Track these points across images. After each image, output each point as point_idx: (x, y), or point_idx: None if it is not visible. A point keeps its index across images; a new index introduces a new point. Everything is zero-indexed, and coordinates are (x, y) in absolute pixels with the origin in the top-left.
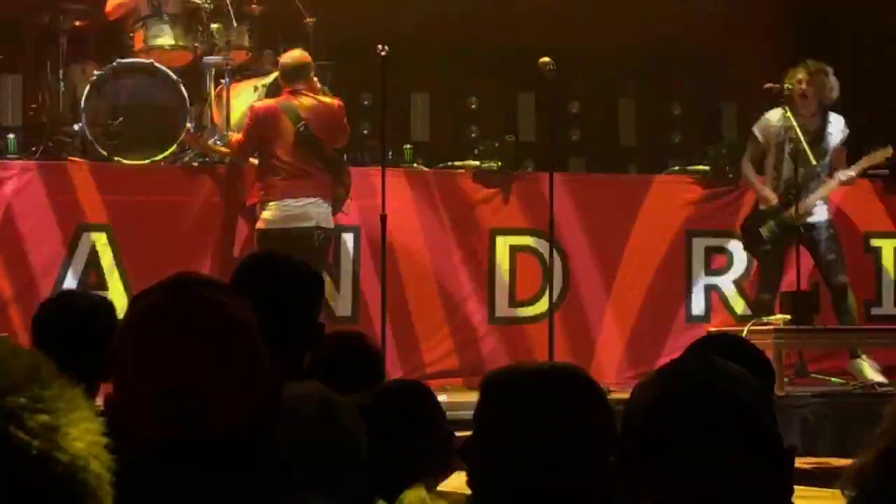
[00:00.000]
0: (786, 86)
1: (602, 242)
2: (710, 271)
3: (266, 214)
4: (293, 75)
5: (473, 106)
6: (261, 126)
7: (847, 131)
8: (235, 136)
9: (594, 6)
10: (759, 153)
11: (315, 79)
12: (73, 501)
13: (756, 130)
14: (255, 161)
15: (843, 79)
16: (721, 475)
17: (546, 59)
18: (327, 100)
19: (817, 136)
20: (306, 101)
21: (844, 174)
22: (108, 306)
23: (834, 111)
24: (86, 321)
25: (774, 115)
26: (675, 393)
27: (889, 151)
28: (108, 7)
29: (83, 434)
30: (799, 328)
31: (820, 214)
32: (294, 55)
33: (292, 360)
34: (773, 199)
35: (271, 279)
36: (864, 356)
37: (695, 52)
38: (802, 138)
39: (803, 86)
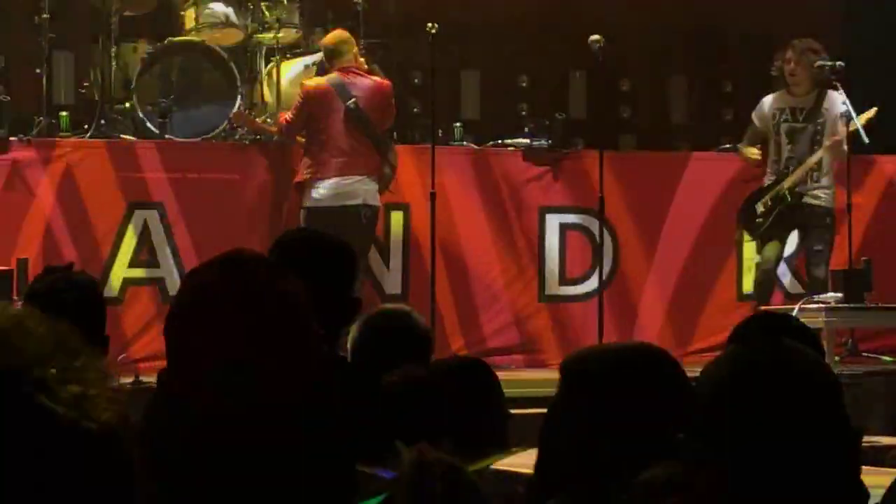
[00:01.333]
0: (776, 66)
1: (652, 221)
2: (760, 249)
3: (314, 193)
4: (335, 54)
5: (523, 84)
6: (312, 104)
7: (847, 103)
8: (284, 115)
9: None
10: (758, 137)
11: (360, 57)
12: (101, 470)
13: (753, 116)
14: (301, 139)
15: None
16: (790, 455)
17: (596, 36)
18: (377, 78)
19: (812, 113)
20: (357, 78)
21: (829, 140)
22: (91, 284)
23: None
24: (75, 302)
25: (769, 98)
26: (746, 374)
27: (873, 111)
28: None
29: (110, 405)
30: (850, 306)
31: (825, 200)
32: (334, 34)
33: (327, 335)
34: (756, 153)
35: (304, 255)
36: None
37: (747, 28)
38: (798, 117)
39: (791, 65)
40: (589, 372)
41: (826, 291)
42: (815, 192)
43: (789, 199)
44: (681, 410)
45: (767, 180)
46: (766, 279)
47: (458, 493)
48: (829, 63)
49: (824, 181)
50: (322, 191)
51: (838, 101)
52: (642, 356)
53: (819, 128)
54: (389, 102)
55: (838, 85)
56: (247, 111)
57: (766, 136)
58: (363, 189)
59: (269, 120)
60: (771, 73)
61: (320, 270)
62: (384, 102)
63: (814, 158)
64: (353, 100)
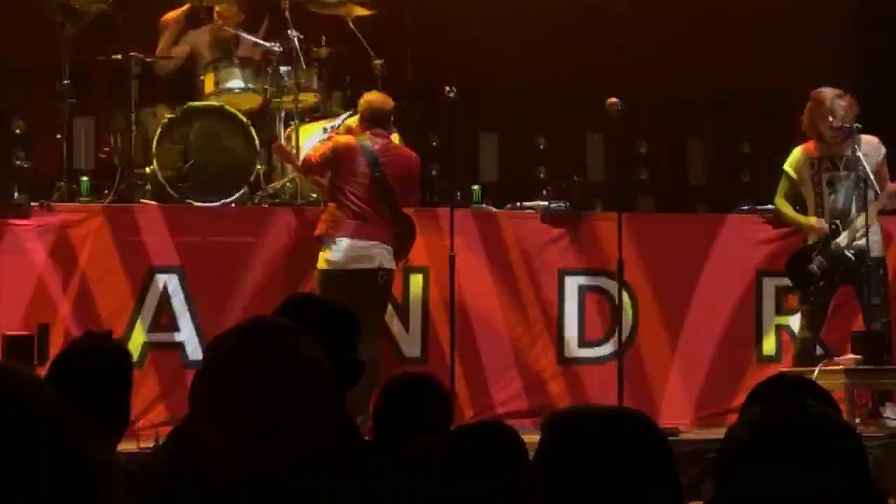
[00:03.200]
0: (804, 120)
1: (671, 282)
2: (780, 311)
3: (329, 255)
4: (376, 118)
5: (542, 146)
6: (338, 158)
7: (884, 149)
8: (311, 153)
9: (661, 47)
10: (793, 191)
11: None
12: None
13: (787, 167)
14: (319, 179)
15: None
16: None
17: (614, 99)
18: (407, 151)
19: (851, 161)
20: (390, 148)
21: (888, 190)
22: (123, 353)
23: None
24: (100, 369)
25: (800, 149)
26: (772, 434)
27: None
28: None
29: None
30: (870, 368)
31: (874, 249)
32: (381, 98)
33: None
34: (824, 226)
35: (306, 320)
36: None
37: (763, 91)
38: (839, 165)
39: (837, 118)
40: (563, 430)
41: (891, 347)
42: (864, 241)
43: (852, 258)
44: (660, 480)
45: (811, 238)
46: (812, 348)
47: None
48: (847, 126)
49: (873, 228)
50: (338, 253)
51: (872, 145)
52: (621, 419)
53: (861, 174)
54: (415, 177)
55: (875, 140)
56: (284, 143)
57: (799, 188)
58: (378, 252)
59: (287, 185)
60: (798, 130)
61: (324, 332)
62: (410, 175)
63: (873, 210)
64: (379, 171)
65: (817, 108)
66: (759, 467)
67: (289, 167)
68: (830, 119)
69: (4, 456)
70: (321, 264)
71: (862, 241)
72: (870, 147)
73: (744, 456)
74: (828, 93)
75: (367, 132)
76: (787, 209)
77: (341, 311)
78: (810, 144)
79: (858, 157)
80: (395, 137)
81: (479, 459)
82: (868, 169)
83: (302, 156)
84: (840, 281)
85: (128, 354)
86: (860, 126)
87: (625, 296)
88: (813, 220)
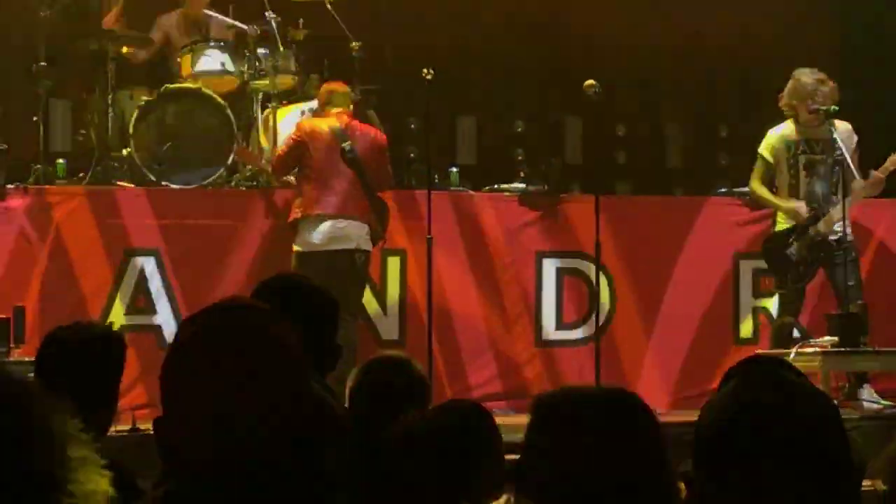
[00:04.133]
0: (786, 97)
1: (649, 265)
2: (758, 293)
3: (307, 236)
4: (336, 100)
5: (519, 129)
6: (304, 142)
7: (856, 137)
8: (278, 151)
9: (641, 29)
10: (769, 174)
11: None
12: None
13: (763, 150)
14: (292, 179)
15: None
16: (791, 490)
17: (592, 81)
18: (371, 129)
19: (828, 144)
20: (353, 123)
21: (870, 178)
22: (116, 338)
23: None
24: (89, 353)
25: (778, 131)
26: (750, 407)
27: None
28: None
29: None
30: (846, 350)
31: (849, 233)
32: (336, 84)
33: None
34: (804, 210)
35: (288, 303)
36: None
37: (741, 74)
38: (816, 149)
39: (817, 99)
40: (552, 412)
41: (867, 329)
42: (841, 227)
43: (833, 244)
44: (650, 455)
45: (783, 221)
46: (789, 330)
47: None
48: (823, 108)
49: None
50: (316, 234)
51: (847, 129)
52: (609, 399)
53: (839, 159)
54: (384, 157)
55: (848, 126)
56: (248, 148)
57: (775, 170)
58: (356, 234)
59: (265, 164)
60: (777, 109)
61: (304, 317)
62: (379, 156)
63: (856, 197)
64: (348, 143)
65: (799, 89)
66: (738, 440)
67: (267, 147)
68: (809, 102)
69: None
70: (299, 246)
71: (840, 227)
72: (844, 133)
73: (722, 429)
74: (811, 75)
75: (332, 114)
76: (765, 192)
77: (322, 294)
78: (786, 127)
79: (836, 140)
80: (373, 117)
81: (454, 438)
82: (846, 153)
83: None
84: (818, 265)
85: (120, 342)
86: (837, 109)
87: (602, 278)
88: (793, 205)
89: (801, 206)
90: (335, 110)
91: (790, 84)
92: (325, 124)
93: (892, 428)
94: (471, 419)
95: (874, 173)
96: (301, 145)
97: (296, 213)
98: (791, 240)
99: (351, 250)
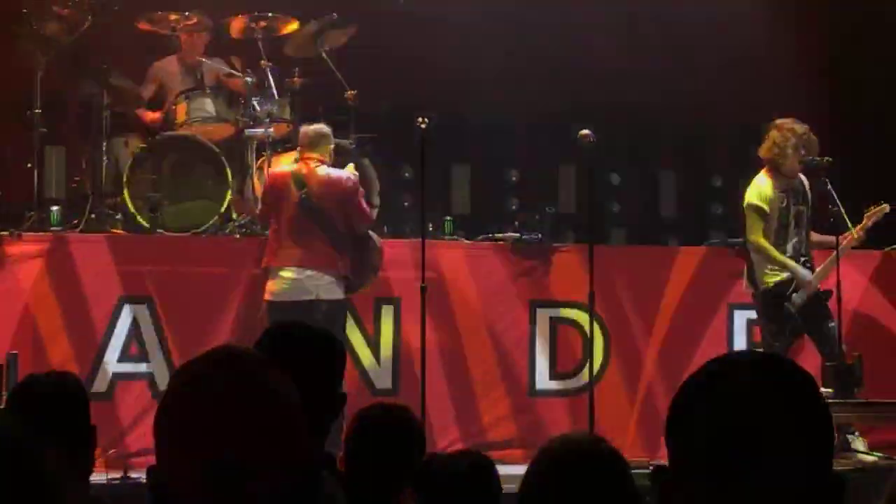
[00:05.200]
0: (773, 146)
1: (643, 314)
2: (752, 343)
3: (270, 285)
4: (308, 144)
5: (514, 178)
6: (272, 191)
7: (828, 186)
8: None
9: (633, 81)
10: (769, 225)
11: (331, 151)
12: None
13: (759, 201)
14: None
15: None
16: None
17: (586, 131)
18: (336, 172)
19: (804, 196)
20: (316, 169)
21: (856, 234)
22: (74, 383)
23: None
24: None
25: (765, 181)
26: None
27: (886, 208)
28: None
29: None
30: (840, 401)
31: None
32: (314, 125)
33: (315, 429)
34: (812, 279)
35: (290, 350)
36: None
37: (732, 125)
38: (800, 199)
39: (800, 150)
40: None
41: (861, 380)
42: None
43: (825, 298)
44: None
45: (781, 273)
46: None
47: None
48: (815, 160)
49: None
50: (279, 283)
51: (806, 181)
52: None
53: (809, 209)
54: (350, 197)
55: (827, 181)
56: (245, 200)
57: (767, 223)
58: (315, 284)
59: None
60: (760, 156)
61: (308, 364)
62: (341, 196)
63: (847, 246)
64: (304, 190)
65: (790, 138)
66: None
67: (261, 195)
68: (802, 152)
69: None
70: (266, 296)
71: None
72: (808, 184)
73: (694, 404)
74: (800, 126)
75: (303, 157)
76: (774, 251)
77: (330, 339)
78: (768, 177)
79: (807, 191)
80: (367, 166)
81: (457, 488)
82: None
83: None
84: (810, 319)
85: (80, 386)
86: (831, 161)
87: (596, 328)
88: (802, 273)
89: (807, 273)
90: (305, 154)
91: (779, 134)
92: (290, 171)
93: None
94: (483, 469)
95: (855, 231)
96: (268, 194)
97: (265, 262)
98: (789, 292)
99: (310, 301)
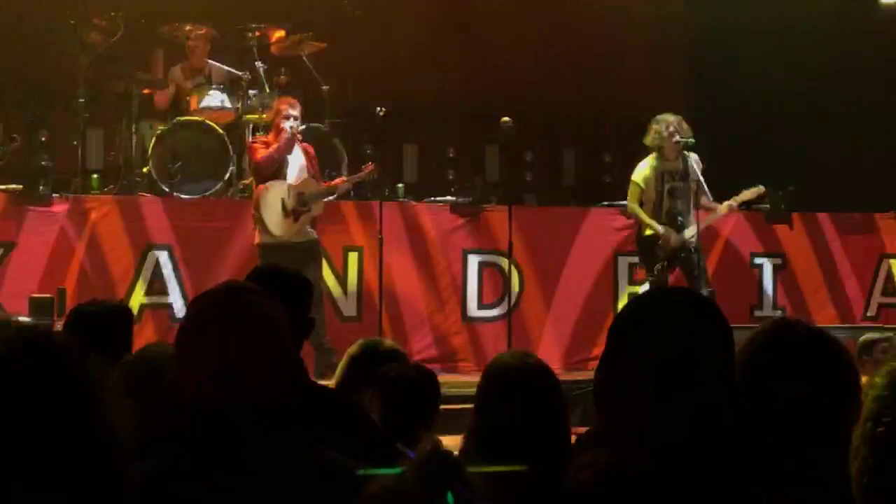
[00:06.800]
0: (656, 136)
1: (549, 260)
2: (632, 281)
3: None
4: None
5: (451, 154)
6: None
7: (701, 164)
8: None
9: (545, 76)
10: (641, 195)
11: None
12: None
13: (637, 179)
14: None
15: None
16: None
17: (506, 118)
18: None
19: (684, 173)
20: None
21: (728, 206)
22: (124, 310)
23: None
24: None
25: (646, 164)
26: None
27: (761, 189)
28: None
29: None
30: None
31: (698, 242)
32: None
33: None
34: (670, 235)
35: (271, 285)
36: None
37: (620, 111)
38: (676, 178)
39: (675, 136)
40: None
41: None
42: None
43: (692, 249)
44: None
45: (654, 229)
46: None
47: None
48: (685, 140)
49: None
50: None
51: (695, 158)
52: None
53: (695, 185)
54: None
55: (696, 155)
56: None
57: (643, 193)
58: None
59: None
60: (643, 145)
61: (286, 295)
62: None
63: (713, 217)
64: None
65: (665, 128)
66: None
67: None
68: (676, 138)
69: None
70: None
71: (694, 234)
72: (695, 161)
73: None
74: (672, 116)
75: None
76: (642, 213)
77: (299, 278)
78: (651, 160)
79: (692, 167)
80: (338, 144)
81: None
82: (700, 178)
83: None
84: (678, 262)
85: (128, 312)
86: (693, 141)
87: (513, 270)
88: (659, 229)
89: (668, 231)
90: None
91: (656, 126)
92: None
93: None
94: (426, 375)
95: (728, 203)
96: None
97: None
98: (659, 242)
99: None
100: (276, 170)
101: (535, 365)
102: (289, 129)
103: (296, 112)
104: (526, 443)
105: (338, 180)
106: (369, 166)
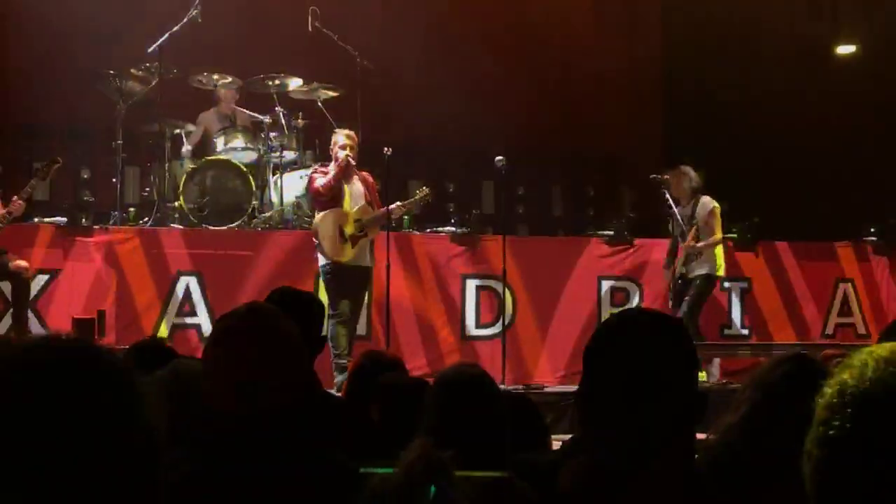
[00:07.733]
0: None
1: (539, 284)
2: (614, 304)
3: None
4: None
5: (451, 189)
6: None
7: (710, 206)
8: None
9: (535, 119)
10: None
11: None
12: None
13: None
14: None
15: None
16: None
17: (500, 157)
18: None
19: (690, 215)
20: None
21: (689, 242)
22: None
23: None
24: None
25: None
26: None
27: (426, 191)
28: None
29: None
30: None
31: (700, 269)
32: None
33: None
34: (671, 271)
35: (287, 306)
36: (713, 363)
37: (603, 153)
38: (680, 219)
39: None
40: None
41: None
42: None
43: (681, 282)
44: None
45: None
46: None
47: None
48: (657, 178)
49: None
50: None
51: (705, 200)
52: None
53: (693, 227)
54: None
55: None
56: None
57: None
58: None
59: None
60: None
61: (301, 316)
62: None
63: (687, 245)
64: None
65: (686, 177)
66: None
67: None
68: (694, 185)
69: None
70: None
71: (694, 271)
72: (702, 203)
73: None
74: (690, 169)
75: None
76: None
77: (312, 299)
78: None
79: (696, 213)
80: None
81: (404, 402)
82: (699, 219)
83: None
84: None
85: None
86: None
87: (507, 292)
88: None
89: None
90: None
91: (677, 175)
92: None
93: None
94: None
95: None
96: None
97: None
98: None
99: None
100: (333, 196)
101: (477, 374)
102: (343, 158)
103: (351, 142)
104: (464, 447)
105: (394, 206)
106: (424, 191)
